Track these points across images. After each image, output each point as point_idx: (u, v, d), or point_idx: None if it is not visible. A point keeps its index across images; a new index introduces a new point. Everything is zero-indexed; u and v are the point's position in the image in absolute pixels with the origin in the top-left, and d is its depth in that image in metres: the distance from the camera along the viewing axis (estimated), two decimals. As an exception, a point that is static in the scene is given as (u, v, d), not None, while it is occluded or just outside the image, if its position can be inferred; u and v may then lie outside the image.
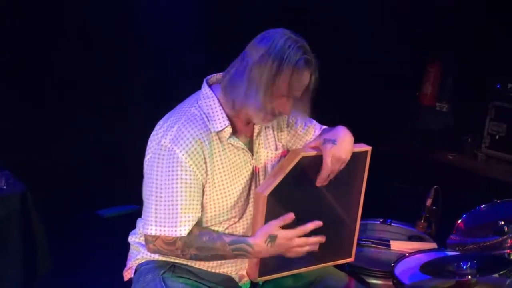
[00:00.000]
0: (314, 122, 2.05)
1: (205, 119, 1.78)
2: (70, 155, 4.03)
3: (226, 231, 1.85)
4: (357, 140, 1.91)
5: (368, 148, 1.94)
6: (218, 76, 1.86)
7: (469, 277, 1.39)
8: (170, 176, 1.73)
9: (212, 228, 1.84)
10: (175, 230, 1.74)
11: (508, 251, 1.62)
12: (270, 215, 1.77)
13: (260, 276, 1.88)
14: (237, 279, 1.93)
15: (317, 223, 1.74)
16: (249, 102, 1.71)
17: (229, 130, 1.79)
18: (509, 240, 1.65)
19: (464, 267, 1.38)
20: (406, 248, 2.31)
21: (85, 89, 4.13)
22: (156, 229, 1.75)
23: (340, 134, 1.85)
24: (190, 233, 1.75)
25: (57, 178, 3.88)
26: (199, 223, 1.80)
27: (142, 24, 4.16)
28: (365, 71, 4.90)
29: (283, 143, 1.99)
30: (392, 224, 2.52)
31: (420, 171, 4.68)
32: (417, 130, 5.39)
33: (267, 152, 1.92)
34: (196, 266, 1.88)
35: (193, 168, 1.73)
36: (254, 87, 1.69)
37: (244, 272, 1.93)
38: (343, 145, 1.82)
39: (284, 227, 1.73)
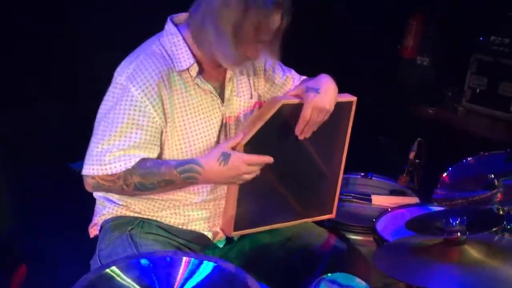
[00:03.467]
0: (293, 72, 1.94)
1: (167, 57, 1.65)
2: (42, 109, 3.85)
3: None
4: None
5: (353, 98, 1.84)
6: (184, 15, 1.73)
7: (459, 234, 1.29)
8: (120, 114, 1.60)
9: None
10: (119, 165, 1.61)
11: (498, 206, 1.54)
12: None
13: (235, 230, 1.80)
14: (210, 236, 1.82)
15: (269, 159, 1.65)
16: (217, 46, 1.59)
17: (195, 69, 1.66)
18: (499, 194, 1.57)
19: (454, 223, 1.28)
20: (388, 203, 2.23)
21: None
22: (98, 169, 1.62)
23: (324, 83, 1.74)
24: None
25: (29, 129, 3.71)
26: None
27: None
28: (345, 23, 4.77)
29: (260, 93, 1.86)
30: (373, 178, 2.43)
31: (400, 125, 4.63)
32: (398, 83, 5.33)
33: (240, 101, 1.79)
34: (166, 222, 1.76)
35: (149, 108, 1.61)
36: (221, 31, 1.56)
37: (218, 229, 1.83)
38: (326, 94, 1.71)
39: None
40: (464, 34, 4.96)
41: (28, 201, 3.03)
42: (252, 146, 1.66)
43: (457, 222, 1.29)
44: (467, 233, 1.30)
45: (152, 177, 1.63)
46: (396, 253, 1.41)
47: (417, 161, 2.38)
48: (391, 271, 1.33)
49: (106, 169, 1.61)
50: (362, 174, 2.46)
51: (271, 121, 1.67)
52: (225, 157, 1.61)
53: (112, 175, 1.62)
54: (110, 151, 1.61)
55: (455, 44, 5.03)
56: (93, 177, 1.64)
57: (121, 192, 1.68)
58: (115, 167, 1.61)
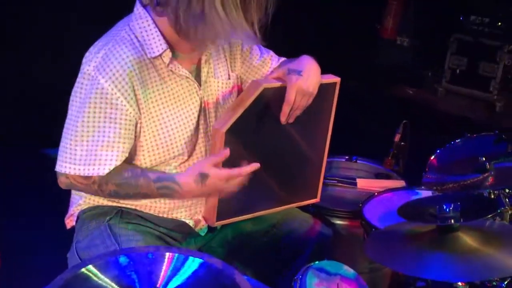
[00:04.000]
0: (271, 53, 1.87)
1: (137, 44, 1.55)
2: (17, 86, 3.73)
3: (175, 171, 1.66)
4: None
5: (336, 79, 1.78)
6: None
7: (452, 221, 1.24)
8: (91, 108, 1.52)
9: (159, 168, 1.65)
10: (93, 169, 1.53)
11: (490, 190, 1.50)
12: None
13: (218, 220, 1.73)
14: (192, 224, 1.75)
15: (255, 165, 1.57)
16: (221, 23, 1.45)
17: (168, 54, 1.57)
18: (490, 178, 1.52)
19: (447, 209, 1.23)
20: (374, 187, 2.19)
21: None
22: (70, 167, 1.54)
23: (306, 65, 1.68)
24: None
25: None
26: (138, 163, 1.62)
27: None
28: (323, 3, 4.71)
29: (237, 74, 1.79)
30: (358, 161, 2.38)
31: (380, 106, 4.61)
32: (377, 64, 5.30)
33: (218, 82, 1.72)
34: (146, 211, 1.69)
35: (121, 100, 1.52)
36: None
37: (200, 217, 1.76)
38: (310, 76, 1.64)
39: (235, 165, 1.57)
40: (444, 14, 4.94)
41: (2, 187, 2.94)
42: (233, 133, 1.59)
43: (451, 208, 1.24)
44: (461, 220, 1.25)
45: (129, 188, 1.57)
46: (387, 240, 1.36)
47: (402, 143, 2.33)
48: (383, 260, 1.28)
49: (79, 169, 1.54)
50: (347, 157, 2.41)
51: (253, 106, 1.60)
52: (203, 177, 1.54)
53: (86, 178, 1.55)
54: (83, 149, 1.53)
55: (435, 24, 5.01)
56: (67, 176, 1.57)
57: (94, 194, 1.63)
58: (89, 169, 1.54)
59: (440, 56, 5.06)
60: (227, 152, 1.55)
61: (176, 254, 0.98)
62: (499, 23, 4.72)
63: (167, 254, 0.99)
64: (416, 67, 5.39)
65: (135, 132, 1.57)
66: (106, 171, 1.53)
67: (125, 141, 1.55)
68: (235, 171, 1.55)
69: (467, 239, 1.25)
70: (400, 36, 5.48)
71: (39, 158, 3.53)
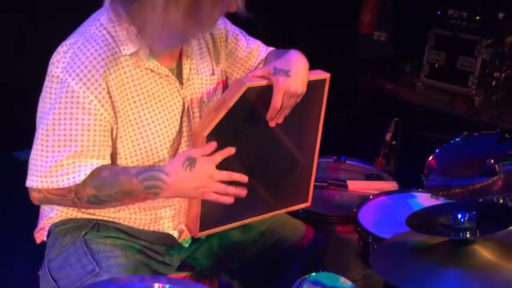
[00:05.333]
0: (259, 42, 1.74)
1: (110, 40, 1.41)
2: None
3: None
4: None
5: (326, 75, 1.66)
6: None
7: (468, 235, 1.13)
8: (61, 115, 1.37)
9: None
10: (67, 179, 1.38)
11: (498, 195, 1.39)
12: None
13: (201, 230, 1.60)
14: (176, 235, 1.61)
15: (243, 177, 1.46)
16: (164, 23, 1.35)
17: (145, 51, 1.43)
18: (499, 182, 1.41)
19: (461, 220, 1.11)
20: (365, 189, 2.08)
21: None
22: (42, 181, 1.39)
23: (294, 62, 1.54)
24: None
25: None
26: None
27: None
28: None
29: (222, 68, 1.66)
30: (346, 162, 2.27)
31: (358, 101, 4.54)
32: (355, 59, 5.22)
33: (201, 79, 1.59)
34: (125, 223, 1.55)
35: (94, 104, 1.38)
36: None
37: (184, 226, 1.63)
38: (298, 76, 1.50)
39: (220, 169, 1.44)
40: (422, 8, 4.89)
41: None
42: (216, 136, 1.45)
43: (465, 219, 1.13)
44: (478, 233, 1.13)
45: (109, 188, 1.40)
46: (395, 254, 1.23)
47: (393, 142, 2.22)
48: (391, 277, 1.16)
49: (52, 181, 1.39)
50: (335, 157, 2.30)
51: (236, 106, 1.47)
52: (190, 162, 1.39)
53: (61, 188, 1.40)
54: (55, 160, 1.38)
55: (413, 18, 4.95)
56: (39, 191, 1.41)
57: (73, 205, 1.46)
58: (63, 180, 1.38)
59: (418, 50, 5.02)
60: (213, 144, 1.42)
61: (167, 286, 0.83)
62: (477, 17, 4.69)
63: (156, 286, 0.84)
64: (394, 62, 5.35)
65: (111, 139, 1.43)
66: (82, 177, 1.38)
67: (102, 149, 1.41)
68: (224, 153, 1.42)
69: (485, 253, 1.13)
70: (377, 31, 5.43)
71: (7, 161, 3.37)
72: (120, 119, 1.43)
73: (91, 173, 1.40)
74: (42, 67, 1.49)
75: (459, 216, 1.13)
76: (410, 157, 2.52)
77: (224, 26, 1.66)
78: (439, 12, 4.84)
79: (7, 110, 3.43)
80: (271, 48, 1.75)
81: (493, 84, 4.72)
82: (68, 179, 1.38)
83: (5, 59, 3.57)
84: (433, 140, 2.86)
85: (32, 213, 1.67)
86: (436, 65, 4.93)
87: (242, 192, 1.46)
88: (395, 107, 4.63)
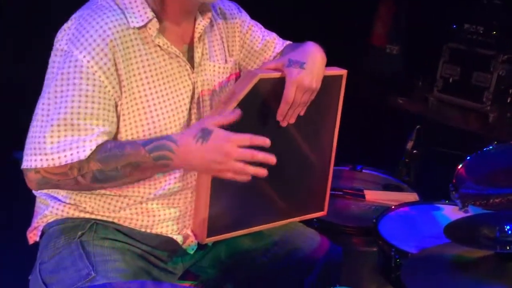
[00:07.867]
0: (274, 35, 1.65)
1: (118, 11, 1.31)
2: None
3: None
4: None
5: (343, 71, 1.56)
6: None
7: (516, 249, 0.99)
8: (64, 86, 1.26)
9: None
10: (71, 155, 1.25)
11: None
12: None
13: (209, 236, 1.49)
14: (180, 241, 1.48)
15: (265, 140, 1.26)
16: None
17: (154, 25, 1.33)
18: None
19: (509, 232, 0.98)
20: (384, 199, 1.94)
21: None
22: (42, 159, 1.25)
23: (310, 54, 1.44)
24: None
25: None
26: None
27: None
28: (314, 7, 4.52)
29: (235, 60, 1.56)
30: (363, 171, 2.13)
31: (370, 116, 4.43)
32: (366, 72, 5.14)
33: (214, 66, 1.48)
34: (126, 224, 1.42)
35: (99, 75, 1.26)
36: None
37: (189, 231, 1.50)
38: (313, 69, 1.41)
39: None
40: (436, 21, 4.81)
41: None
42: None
43: (513, 229, 0.99)
44: (528, 246, 1.00)
45: (115, 160, 1.26)
46: (430, 269, 1.09)
47: (414, 151, 2.10)
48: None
49: (54, 159, 1.25)
50: (350, 166, 2.16)
51: (247, 100, 1.37)
52: (205, 134, 1.25)
53: (62, 166, 1.26)
54: (57, 136, 1.25)
55: (426, 32, 4.87)
56: (37, 171, 1.27)
57: (75, 185, 1.31)
58: (65, 156, 1.25)
59: (431, 64, 4.93)
60: (238, 112, 1.27)
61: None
62: (494, 32, 4.60)
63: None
64: (406, 76, 5.27)
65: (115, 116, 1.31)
66: (88, 152, 1.25)
67: (105, 124, 1.29)
68: (245, 135, 1.25)
69: (535, 269, 1.00)
70: (390, 44, 5.36)
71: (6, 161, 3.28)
72: (125, 95, 1.31)
73: (96, 147, 1.27)
74: (42, 67, 1.40)
75: (507, 227, 0.99)
76: (426, 170, 2.42)
77: (239, 16, 1.57)
78: (454, 26, 4.75)
79: (7, 110, 3.40)
80: (288, 42, 1.66)
81: (509, 100, 4.63)
82: (72, 154, 1.25)
83: (5, 59, 3.56)
84: (446, 156, 2.76)
85: (32, 213, 1.55)
86: (450, 80, 4.83)
87: (263, 171, 1.28)
88: (406, 121, 4.53)
